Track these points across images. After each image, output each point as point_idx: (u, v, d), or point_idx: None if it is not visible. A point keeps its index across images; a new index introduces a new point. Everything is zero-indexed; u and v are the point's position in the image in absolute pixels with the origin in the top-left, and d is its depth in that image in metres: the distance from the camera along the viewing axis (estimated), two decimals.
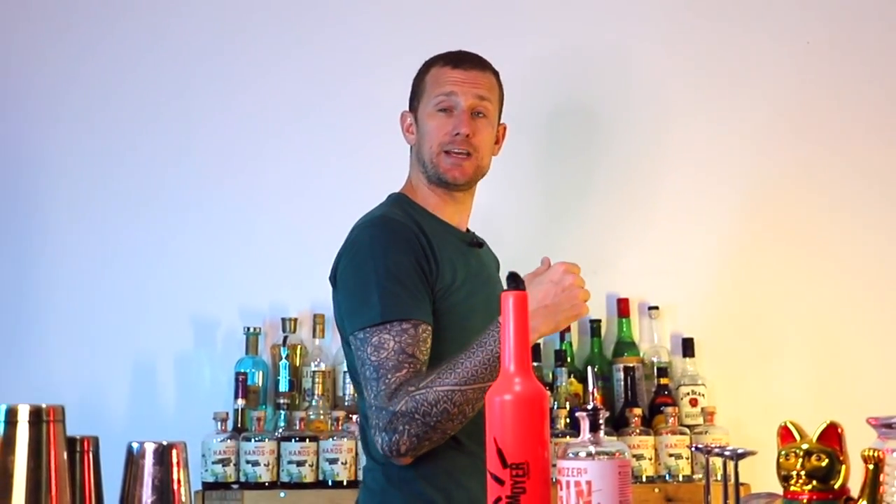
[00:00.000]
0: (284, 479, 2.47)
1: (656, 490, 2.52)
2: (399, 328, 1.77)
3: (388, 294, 1.80)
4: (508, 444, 1.19)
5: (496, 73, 2.02)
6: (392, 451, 1.75)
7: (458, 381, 1.72)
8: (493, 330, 1.71)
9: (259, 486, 2.47)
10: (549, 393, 2.44)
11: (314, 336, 2.70)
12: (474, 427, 1.76)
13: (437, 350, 1.84)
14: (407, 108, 2.05)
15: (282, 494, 2.47)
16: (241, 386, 2.58)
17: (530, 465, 1.19)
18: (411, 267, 1.84)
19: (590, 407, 1.25)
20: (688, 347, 2.71)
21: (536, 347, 2.64)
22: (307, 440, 2.49)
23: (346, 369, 2.62)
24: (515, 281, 1.26)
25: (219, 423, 2.51)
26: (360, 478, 2.48)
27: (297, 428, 2.52)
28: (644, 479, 2.52)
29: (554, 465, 1.22)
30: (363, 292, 1.83)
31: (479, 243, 2.08)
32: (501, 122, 2.06)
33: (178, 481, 1.19)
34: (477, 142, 1.94)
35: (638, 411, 2.58)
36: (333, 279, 1.94)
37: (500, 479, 1.19)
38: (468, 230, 2.09)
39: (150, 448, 1.19)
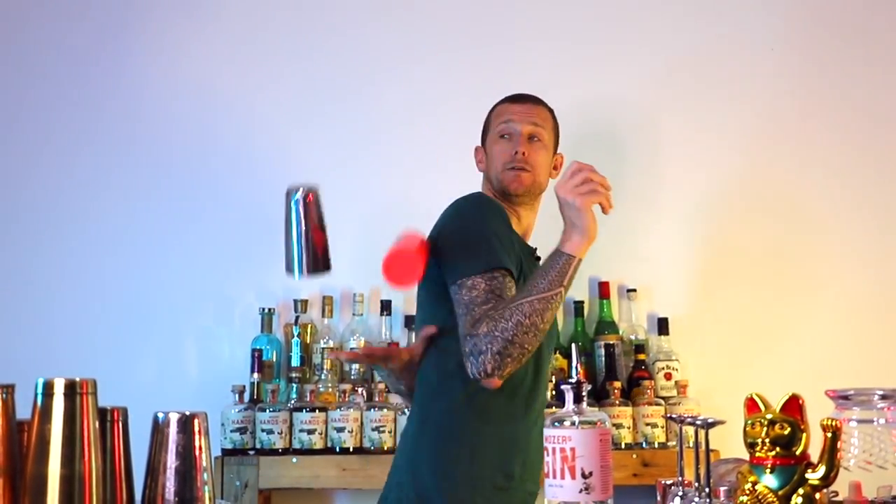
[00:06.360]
0: (296, 445, 2.48)
1: (634, 456, 2.52)
2: (491, 275, 1.81)
3: (488, 247, 1.85)
4: None
5: (551, 110, 2.09)
6: (480, 373, 1.75)
7: (526, 295, 1.75)
8: (556, 255, 1.79)
9: (273, 452, 2.47)
10: None
11: (323, 316, 2.70)
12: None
13: None
14: (479, 144, 2.11)
15: (294, 460, 2.47)
16: (257, 361, 2.59)
17: None
18: (508, 235, 1.91)
19: (573, 380, 1.25)
20: (663, 326, 2.71)
21: None
22: (317, 411, 2.49)
23: (352, 346, 2.63)
24: None
25: (237, 395, 2.52)
26: (366, 445, 2.50)
27: (308, 399, 2.52)
28: (623, 446, 2.52)
29: None
30: (466, 247, 1.87)
31: (538, 257, 2.07)
32: (559, 152, 2.11)
33: (200, 448, 1.19)
34: (533, 160, 2.01)
35: (617, 384, 2.58)
36: (434, 241, 1.91)
37: None
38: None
39: (174, 418, 1.19)
